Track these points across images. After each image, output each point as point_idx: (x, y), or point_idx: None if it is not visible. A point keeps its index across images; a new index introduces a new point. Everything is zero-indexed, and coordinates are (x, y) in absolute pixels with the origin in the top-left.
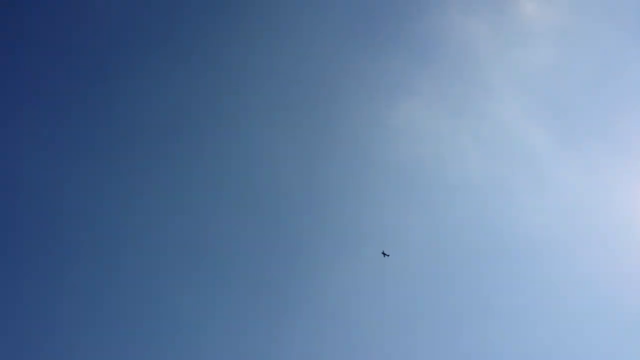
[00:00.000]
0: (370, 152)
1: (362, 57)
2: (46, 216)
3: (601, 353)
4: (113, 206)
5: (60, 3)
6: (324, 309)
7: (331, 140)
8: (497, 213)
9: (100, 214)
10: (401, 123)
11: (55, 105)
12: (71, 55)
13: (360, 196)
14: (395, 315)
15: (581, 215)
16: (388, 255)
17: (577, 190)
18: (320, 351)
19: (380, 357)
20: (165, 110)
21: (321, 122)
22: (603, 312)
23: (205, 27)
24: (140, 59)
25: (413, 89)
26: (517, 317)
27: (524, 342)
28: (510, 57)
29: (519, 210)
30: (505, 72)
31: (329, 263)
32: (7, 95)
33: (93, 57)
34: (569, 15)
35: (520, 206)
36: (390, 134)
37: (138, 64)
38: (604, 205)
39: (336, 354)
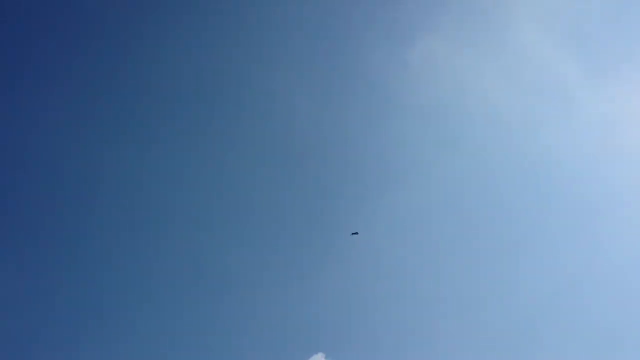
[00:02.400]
0: (392, 94)
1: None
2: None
3: None
4: None
5: None
6: (352, 257)
7: (352, 84)
8: (526, 146)
9: None
10: (421, 61)
11: None
12: None
13: (384, 137)
14: (422, 254)
15: (613, 145)
16: (357, 233)
17: (608, 119)
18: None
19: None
20: None
21: (341, 66)
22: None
23: None
24: None
25: (431, 25)
26: (548, 252)
27: (557, 272)
28: None
29: (548, 142)
30: (527, 1)
31: (353, 207)
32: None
33: None
34: None
35: (550, 138)
36: (411, 74)
37: None
38: (637, 134)
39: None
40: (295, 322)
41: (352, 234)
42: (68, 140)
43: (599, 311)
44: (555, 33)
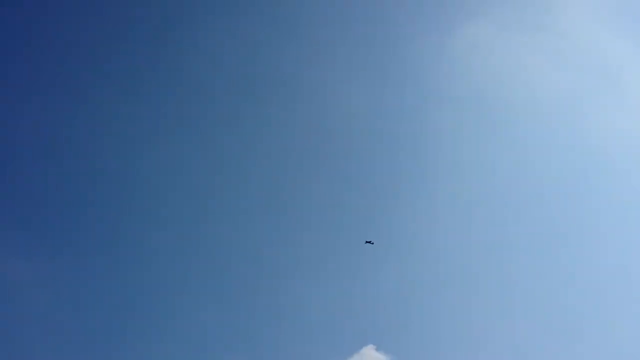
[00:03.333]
0: (432, 83)
1: None
2: None
3: None
4: None
5: None
6: (402, 250)
7: (392, 74)
8: (574, 133)
9: None
10: (462, 49)
11: None
12: None
13: (425, 127)
14: (467, 246)
15: None
16: (372, 243)
17: None
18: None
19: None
20: None
21: (381, 55)
22: None
23: None
24: None
25: (473, 9)
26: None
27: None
28: None
29: (597, 127)
30: None
31: (396, 200)
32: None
33: None
34: None
35: (599, 123)
36: (452, 62)
37: None
38: None
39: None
40: (347, 315)
41: (366, 242)
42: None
43: None
44: (602, 12)
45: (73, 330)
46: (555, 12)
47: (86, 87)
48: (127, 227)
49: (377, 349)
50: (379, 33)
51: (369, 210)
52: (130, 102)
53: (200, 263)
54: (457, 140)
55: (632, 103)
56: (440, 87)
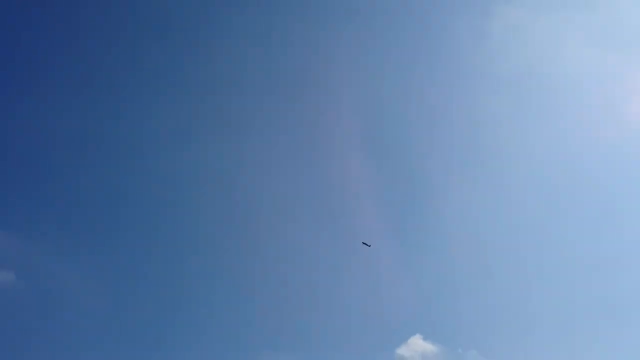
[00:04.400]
0: (473, 65)
1: None
2: None
3: None
4: None
5: None
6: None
7: (433, 57)
8: (624, 108)
9: None
10: (504, 28)
11: None
12: None
13: (472, 110)
14: (517, 232)
15: None
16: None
17: None
18: None
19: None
20: None
21: (422, 39)
22: None
23: None
24: None
25: None
26: None
27: None
28: None
29: None
30: None
31: (450, 181)
32: None
33: None
34: None
35: None
36: (493, 43)
37: None
38: None
39: None
40: (396, 305)
41: (363, 243)
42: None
43: None
44: None
45: (117, 324)
46: None
47: (123, 86)
48: (165, 225)
49: (424, 339)
50: (417, 17)
51: (412, 198)
52: (168, 101)
53: (239, 258)
54: (497, 121)
55: None
56: (479, 68)
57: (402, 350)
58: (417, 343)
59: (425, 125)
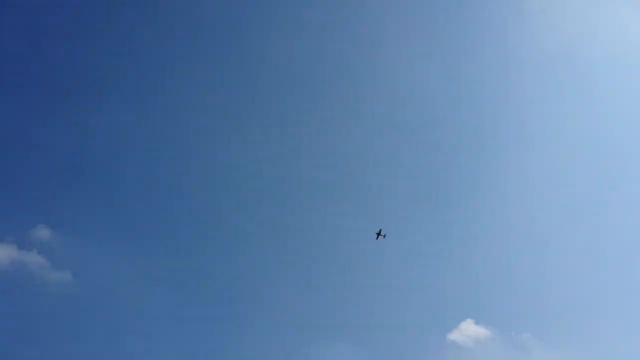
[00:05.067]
0: (511, 42)
1: None
2: None
3: None
4: None
5: None
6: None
7: (469, 35)
8: None
9: None
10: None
11: None
12: None
13: (517, 88)
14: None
15: None
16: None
17: None
18: None
19: None
20: None
21: (456, 17)
22: None
23: None
24: None
25: None
26: None
27: None
28: None
29: None
30: None
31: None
32: None
33: None
34: None
35: None
36: (537, 16)
37: None
38: None
39: None
40: (446, 290)
41: (378, 234)
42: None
43: None
44: None
45: (171, 319)
46: None
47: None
48: (219, 221)
49: (476, 323)
50: None
51: (461, 184)
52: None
53: (292, 249)
54: (543, 99)
55: None
56: (522, 45)
57: (454, 336)
58: (469, 328)
59: (467, 109)
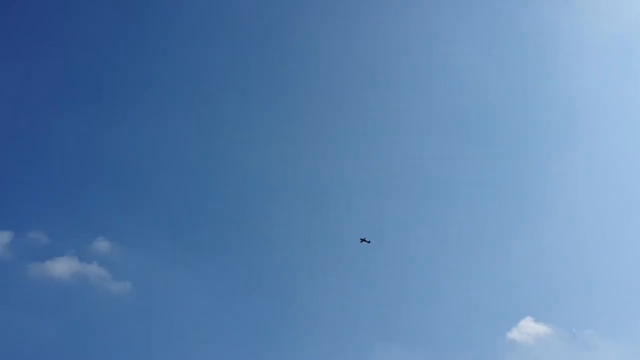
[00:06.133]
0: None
1: None
2: None
3: None
4: None
5: None
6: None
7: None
8: None
9: None
10: None
11: None
12: None
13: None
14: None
15: None
16: (369, 242)
17: None
18: None
19: None
20: None
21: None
22: None
23: None
24: None
25: None
26: None
27: None
28: None
29: None
30: None
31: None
32: None
33: None
34: None
35: None
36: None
37: None
38: None
39: None
40: (504, 289)
41: (362, 240)
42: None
43: None
44: None
45: (229, 324)
46: None
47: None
48: (271, 225)
49: (536, 320)
50: None
51: (524, 180)
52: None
53: (352, 254)
54: (591, 89)
55: None
56: (569, 33)
57: (513, 334)
58: (529, 326)
59: (518, 97)
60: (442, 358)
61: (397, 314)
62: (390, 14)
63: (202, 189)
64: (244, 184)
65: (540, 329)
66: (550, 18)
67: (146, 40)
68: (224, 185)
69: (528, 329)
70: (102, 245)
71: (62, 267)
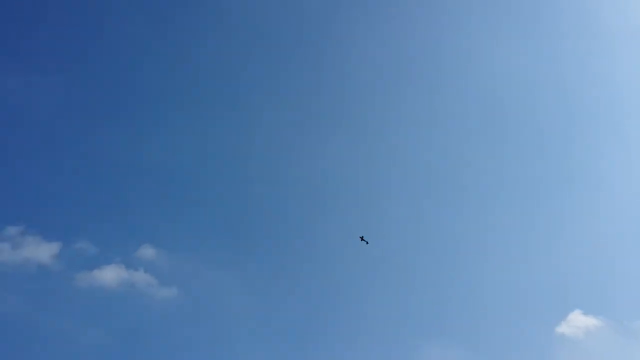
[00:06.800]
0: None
1: None
2: None
3: None
4: None
5: None
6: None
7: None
8: None
9: None
10: None
11: None
12: None
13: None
14: None
15: None
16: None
17: None
18: None
19: None
20: None
21: None
22: None
23: None
24: None
25: None
26: None
27: None
28: None
29: None
30: None
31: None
32: None
33: None
34: None
35: None
36: None
37: None
38: None
39: None
40: (552, 282)
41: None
42: None
43: None
44: None
45: (276, 324)
46: None
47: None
48: (311, 229)
49: (585, 313)
50: None
51: (567, 172)
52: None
53: (396, 252)
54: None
55: None
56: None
57: (562, 328)
58: (578, 319)
59: (558, 89)
60: (490, 355)
61: (442, 312)
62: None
63: (243, 193)
64: (285, 187)
65: (590, 321)
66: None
67: (183, 47)
68: (266, 189)
69: (577, 322)
70: (147, 252)
71: (110, 275)
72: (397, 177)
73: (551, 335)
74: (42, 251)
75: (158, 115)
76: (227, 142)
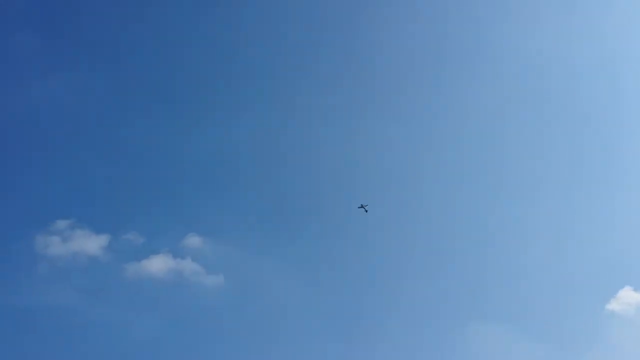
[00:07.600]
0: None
1: None
2: None
3: None
4: None
5: None
6: None
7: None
8: None
9: None
10: None
11: None
12: None
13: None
14: None
15: None
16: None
17: None
18: None
19: None
20: None
21: None
22: None
23: None
24: None
25: None
26: None
27: None
28: None
29: None
30: None
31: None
32: None
33: None
34: None
35: None
36: None
37: None
38: None
39: None
40: (603, 259)
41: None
42: None
43: None
44: None
45: (317, 309)
46: None
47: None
48: (356, 217)
49: (635, 289)
50: None
51: (616, 149)
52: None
53: (433, 232)
54: None
55: None
56: None
57: (612, 306)
58: (629, 295)
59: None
60: (539, 334)
61: (489, 291)
62: None
63: (286, 181)
64: (329, 174)
65: None
66: None
67: (224, 39)
68: (309, 176)
69: (628, 298)
70: (193, 240)
71: (157, 264)
72: (434, 160)
73: (601, 313)
74: (91, 243)
75: (204, 107)
76: (269, 130)
